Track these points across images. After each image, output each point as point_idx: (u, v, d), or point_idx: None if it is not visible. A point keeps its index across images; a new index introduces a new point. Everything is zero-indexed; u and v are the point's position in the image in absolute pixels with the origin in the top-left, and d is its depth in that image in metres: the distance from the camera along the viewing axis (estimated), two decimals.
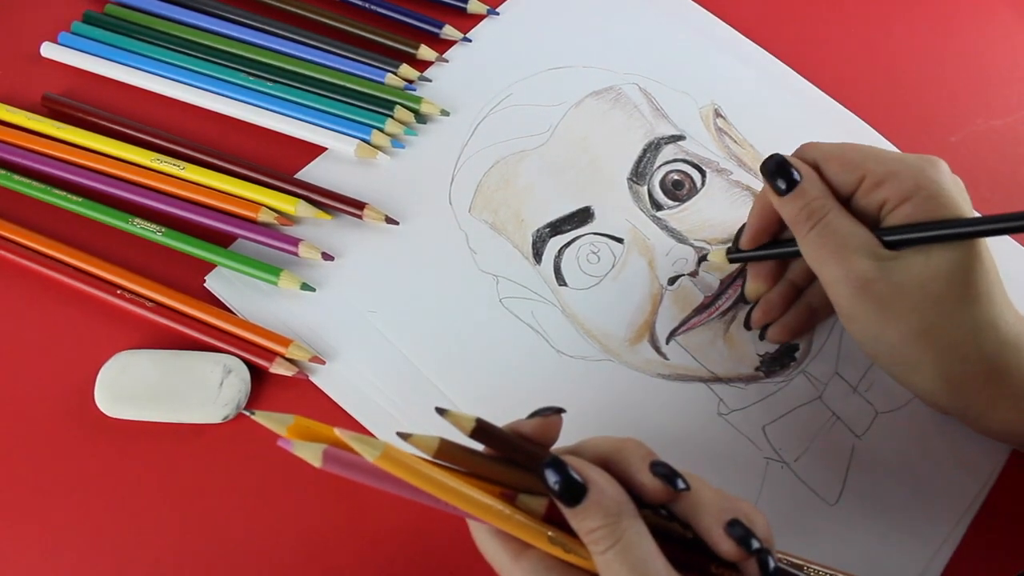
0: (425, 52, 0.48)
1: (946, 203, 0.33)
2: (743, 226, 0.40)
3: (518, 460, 0.29)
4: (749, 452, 0.39)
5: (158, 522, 0.37)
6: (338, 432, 0.25)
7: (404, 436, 0.27)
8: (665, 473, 0.28)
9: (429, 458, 0.27)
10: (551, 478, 0.27)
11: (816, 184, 0.36)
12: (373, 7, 0.50)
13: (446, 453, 0.27)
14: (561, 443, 0.30)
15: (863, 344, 0.36)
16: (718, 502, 0.29)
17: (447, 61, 0.49)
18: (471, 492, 0.27)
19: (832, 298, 0.36)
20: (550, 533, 0.27)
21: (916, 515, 0.39)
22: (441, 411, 0.27)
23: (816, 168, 0.36)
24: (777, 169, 0.36)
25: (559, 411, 0.30)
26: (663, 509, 0.29)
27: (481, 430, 0.28)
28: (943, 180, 0.34)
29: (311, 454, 0.26)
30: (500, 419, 0.29)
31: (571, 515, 0.27)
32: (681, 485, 0.28)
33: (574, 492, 0.27)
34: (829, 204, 0.35)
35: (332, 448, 0.26)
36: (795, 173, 0.36)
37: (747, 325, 0.42)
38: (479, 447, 0.29)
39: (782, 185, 0.36)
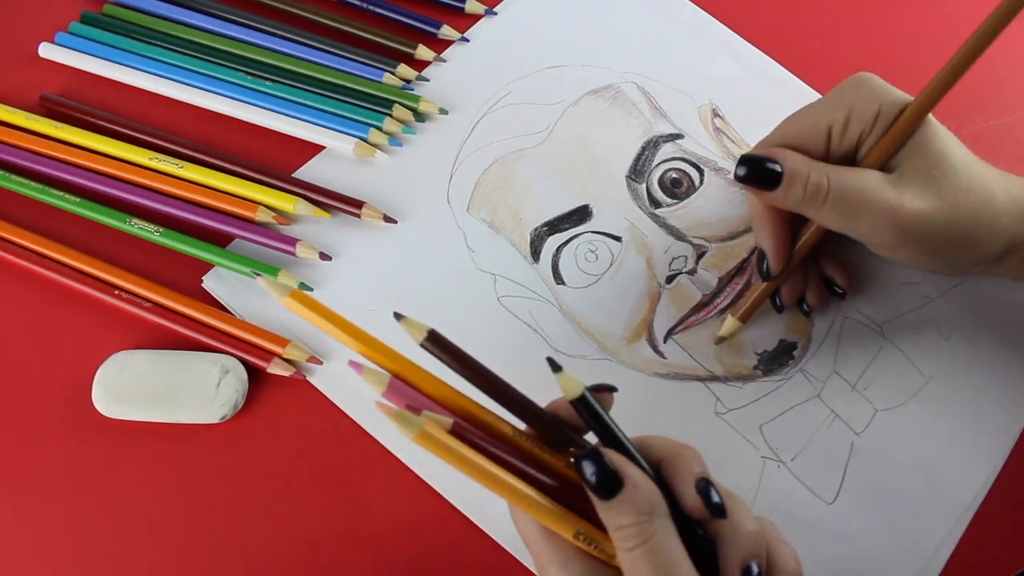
0: (423, 52, 0.48)
1: (896, 98, 0.37)
2: (759, 254, 0.40)
3: (553, 439, 0.29)
4: (746, 451, 0.39)
5: (156, 522, 0.37)
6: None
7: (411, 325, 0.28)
8: (706, 493, 0.28)
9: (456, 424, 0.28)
10: (587, 469, 0.27)
11: (799, 160, 0.36)
12: (371, 7, 0.50)
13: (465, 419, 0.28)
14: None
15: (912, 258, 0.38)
16: (750, 541, 0.28)
17: (445, 61, 0.49)
18: (504, 476, 0.27)
19: (875, 242, 0.38)
20: (578, 529, 0.27)
21: (915, 514, 0.39)
22: (398, 316, 0.28)
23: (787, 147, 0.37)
24: (757, 173, 0.37)
25: (611, 389, 0.30)
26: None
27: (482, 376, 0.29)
28: (885, 87, 0.38)
29: (377, 380, 0.27)
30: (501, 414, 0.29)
31: (603, 508, 0.27)
32: (718, 510, 0.28)
33: (610, 486, 0.26)
34: (826, 168, 0.36)
35: (396, 380, 0.28)
36: (775, 167, 0.36)
37: (779, 307, 0.41)
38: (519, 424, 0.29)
39: (771, 183, 0.36)
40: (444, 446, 0.26)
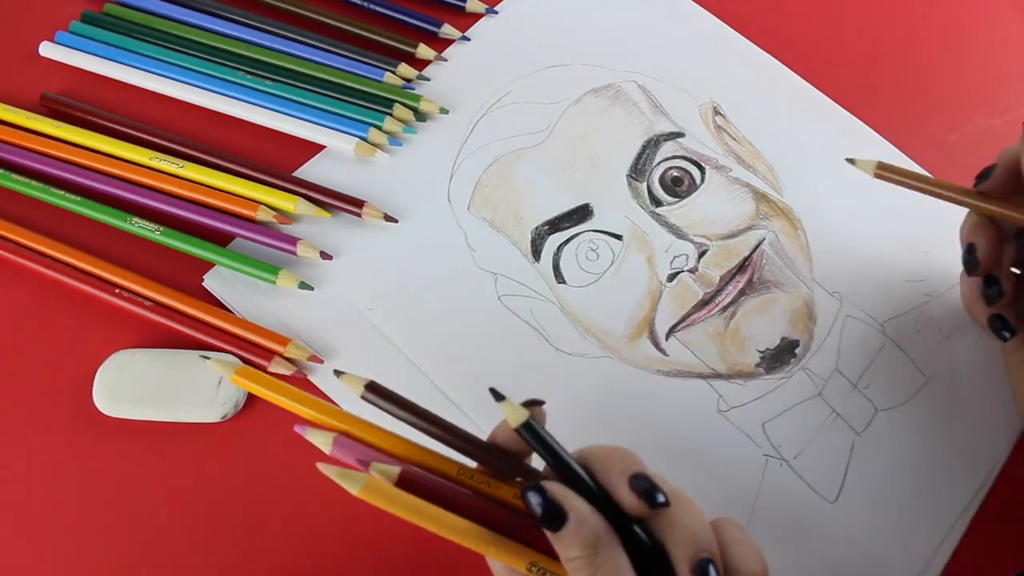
0: (424, 51, 0.48)
1: None
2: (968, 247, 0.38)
3: (498, 469, 0.29)
4: (748, 449, 0.39)
5: (156, 521, 0.37)
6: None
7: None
8: (639, 487, 0.28)
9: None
10: (533, 500, 0.27)
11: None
12: (372, 6, 0.50)
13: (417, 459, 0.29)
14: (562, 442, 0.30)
15: None
16: (696, 537, 0.28)
17: (446, 60, 0.49)
18: (451, 519, 0.27)
19: None
20: (531, 561, 0.28)
21: (916, 513, 0.39)
22: (338, 373, 0.30)
23: None
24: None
25: (538, 403, 0.30)
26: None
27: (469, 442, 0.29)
28: None
29: (322, 440, 0.29)
30: (498, 417, 0.29)
31: (553, 539, 0.27)
32: (653, 499, 0.28)
33: (555, 519, 0.27)
34: None
35: (341, 436, 0.29)
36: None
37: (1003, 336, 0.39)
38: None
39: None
40: (389, 498, 0.27)
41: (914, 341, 0.42)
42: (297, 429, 0.29)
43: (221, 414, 0.38)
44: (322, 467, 0.27)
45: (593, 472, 0.29)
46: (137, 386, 0.38)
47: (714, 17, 0.51)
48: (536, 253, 0.43)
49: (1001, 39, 0.53)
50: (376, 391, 0.29)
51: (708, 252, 0.43)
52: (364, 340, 0.41)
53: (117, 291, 0.40)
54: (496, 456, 0.29)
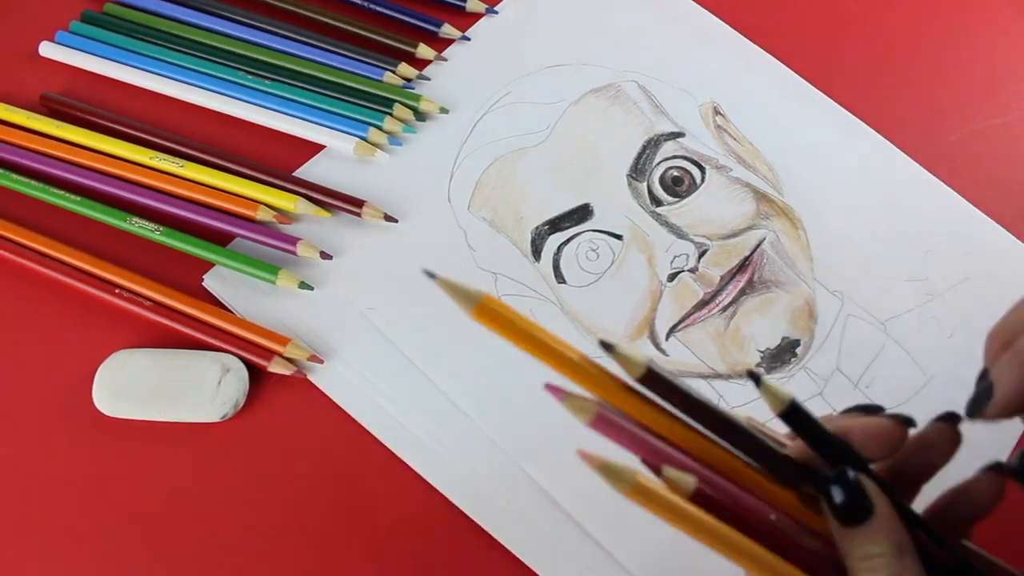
0: (424, 51, 0.48)
1: None
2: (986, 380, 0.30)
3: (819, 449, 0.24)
4: None
5: (156, 521, 0.37)
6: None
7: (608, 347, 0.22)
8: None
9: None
10: (835, 491, 0.24)
11: None
12: (372, 6, 0.50)
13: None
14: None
15: None
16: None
17: (446, 60, 0.49)
18: (733, 535, 0.22)
19: None
20: None
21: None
22: (607, 346, 0.22)
23: None
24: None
25: (910, 423, 0.26)
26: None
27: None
28: None
29: (583, 411, 0.22)
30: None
31: (849, 536, 0.24)
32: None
33: (860, 510, 0.24)
34: None
35: (604, 410, 0.22)
36: None
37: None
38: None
39: None
40: (666, 506, 0.21)
41: (915, 340, 0.42)
42: (549, 391, 0.22)
43: (221, 414, 0.38)
44: (583, 455, 0.21)
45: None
46: (137, 386, 0.38)
47: (714, 17, 0.51)
48: (536, 253, 0.43)
49: (1001, 39, 0.53)
50: (655, 379, 0.22)
51: (708, 252, 0.43)
52: (364, 340, 0.40)
53: (117, 291, 0.40)
54: (784, 462, 0.24)
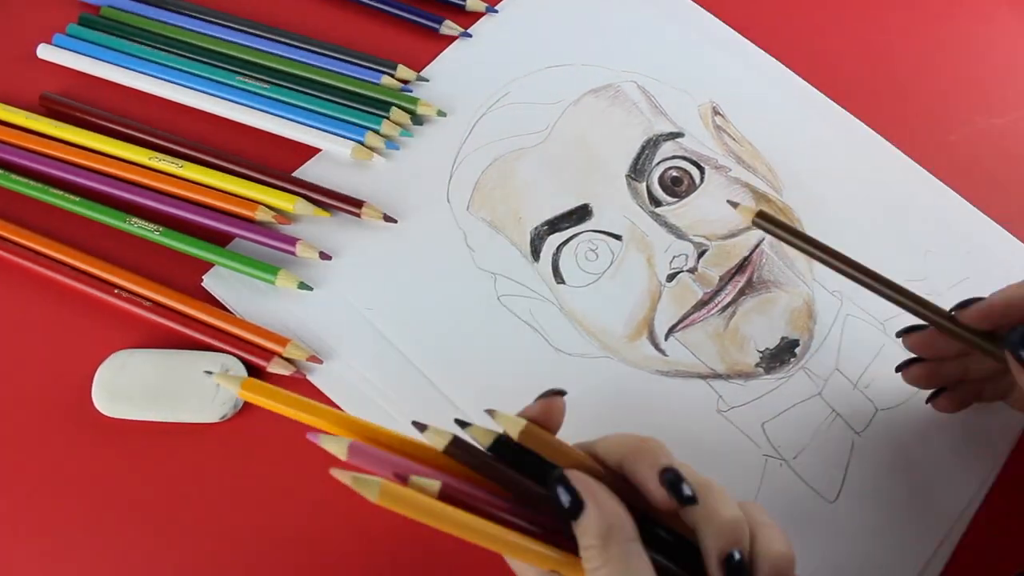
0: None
1: None
2: (974, 300, 0.35)
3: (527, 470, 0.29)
4: (748, 449, 0.39)
5: (156, 521, 0.37)
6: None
7: (419, 427, 0.28)
8: (672, 483, 0.28)
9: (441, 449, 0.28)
10: (559, 491, 0.27)
11: None
12: (372, 4, 0.50)
13: (457, 450, 0.28)
14: (565, 439, 0.30)
15: None
16: (727, 528, 0.27)
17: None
18: (472, 521, 0.27)
19: None
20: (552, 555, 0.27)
21: (916, 513, 0.39)
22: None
23: None
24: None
25: (560, 393, 0.30)
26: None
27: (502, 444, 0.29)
28: None
29: (337, 447, 0.27)
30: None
31: (573, 528, 0.27)
32: (685, 499, 0.28)
33: (573, 508, 0.27)
34: None
35: (357, 443, 0.27)
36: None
37: (905, 374, 0.39)
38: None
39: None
40: (409, 503, 0.26)
41: None
42: (310, 437, 0.28)
43: (220, 414, 0.38)
44: (336, 473, 0.25)
45: (622, 466, 0.29)
46: (136, 386, 0.38)
47: (714, 17, 0.51)
48: (535, 253, 0.43)
49: (1001, 39, 0.53)
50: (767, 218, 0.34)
51: (707, 252, 0.43)
52: (363, 340, 0.40)
53: (116, 291, 0.40)
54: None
